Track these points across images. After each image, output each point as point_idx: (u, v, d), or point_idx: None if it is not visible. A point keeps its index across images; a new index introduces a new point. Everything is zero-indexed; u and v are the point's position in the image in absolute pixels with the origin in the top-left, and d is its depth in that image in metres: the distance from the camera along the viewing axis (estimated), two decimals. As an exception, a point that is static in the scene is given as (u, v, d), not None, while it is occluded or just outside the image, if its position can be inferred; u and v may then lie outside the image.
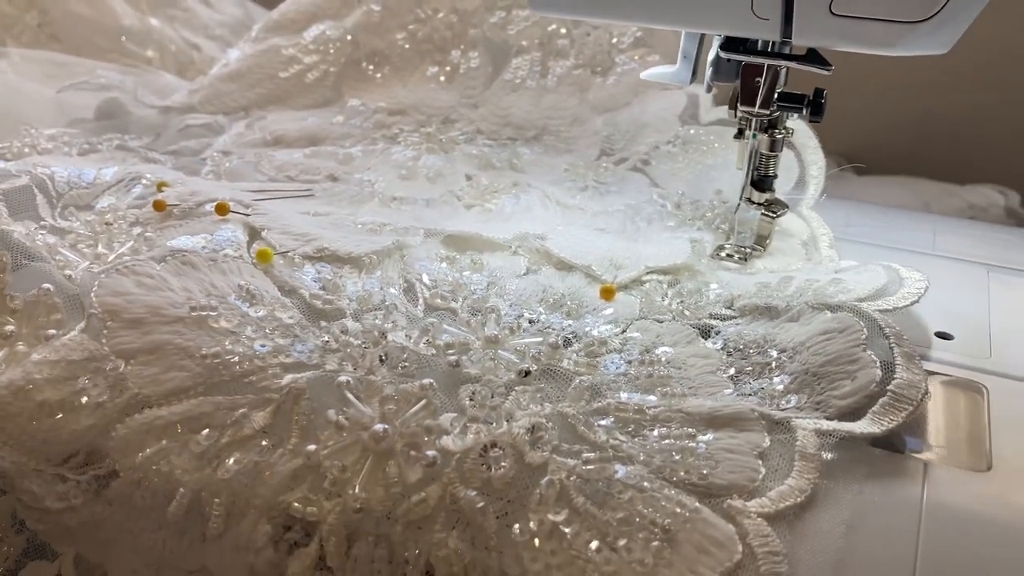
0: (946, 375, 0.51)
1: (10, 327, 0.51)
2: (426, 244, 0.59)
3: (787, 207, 0.61)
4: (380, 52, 0.89)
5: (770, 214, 0.61)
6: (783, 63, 0.53)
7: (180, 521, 0.44)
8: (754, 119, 0.58)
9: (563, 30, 0.85)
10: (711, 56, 0.58)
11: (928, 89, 1.05)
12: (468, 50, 0.87)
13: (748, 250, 0.61)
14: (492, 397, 0.44)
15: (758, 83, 0.56)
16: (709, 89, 0.59)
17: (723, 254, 0.61)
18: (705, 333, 0.52)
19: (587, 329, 0.51)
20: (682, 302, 0.54)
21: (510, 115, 0.82)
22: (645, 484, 0.40)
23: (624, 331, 0.51)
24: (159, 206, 0.61)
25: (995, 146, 1.05)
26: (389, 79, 0.88)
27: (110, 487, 0.46)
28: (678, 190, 0.69)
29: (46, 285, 0.52)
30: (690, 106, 0.76)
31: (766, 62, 0.53)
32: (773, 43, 0.53)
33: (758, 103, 0.56)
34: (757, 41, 0.54)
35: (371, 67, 0.89)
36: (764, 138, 0.59)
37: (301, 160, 0.75)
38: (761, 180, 0.61)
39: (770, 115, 0.57)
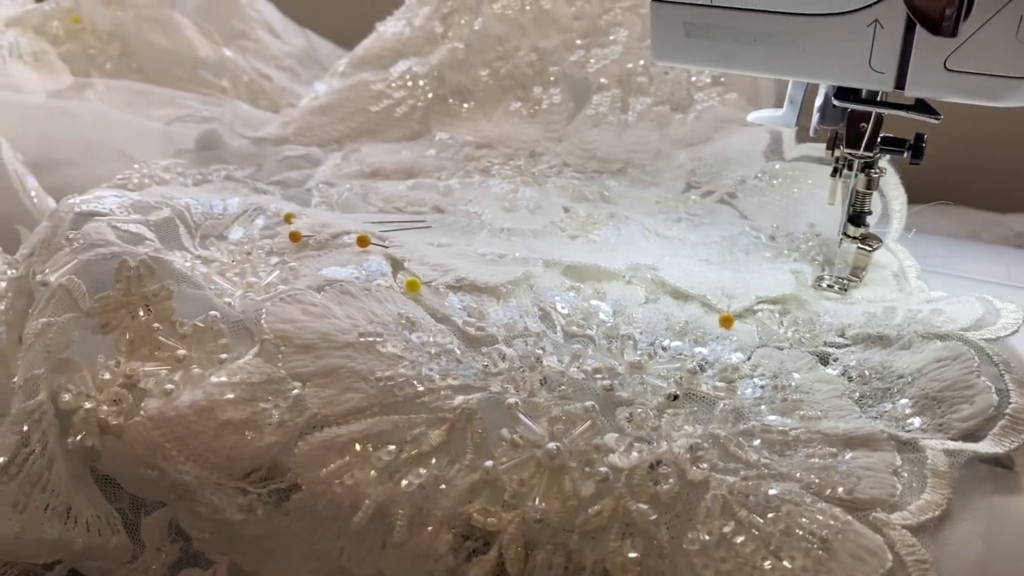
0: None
1: (182, 351, 0.55)
2: (548, 274, 0.63)
3: (880, 241, 0.66)
4: (465, 88, 0.93)
5: (866, 247, 0.65)
6: (895, 112, 0.57)
7: (362, 530, 0.48)
8: (857, 160, 0.62)
9: (641, 67, 0.90)
10: (818, 102, 0.62)
11: (966, 118, 1.09)
12: (549, 87, 0.92)
13: (846, 281, 0.66)
14: (647, 420, 0.48)
15: (864, 128, 0.60)
16: (814, 132, 0.64)
17: (824, 284, 0.65)
18: (823, 360, 0.56)
19: (717, 356, 0.55)
20: (797, 330, 0.59)
21: (594, 149, 0.87)
22: (799, 499, 0.44)
23: (749, 358, 0.56)
24: (295, 237, 0.65)
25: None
26: (474, 113, 0.93)
27: (290, 499, 0.50)
28: (772, 223, 0.73)
29: (213, 312, 0.56)
30: (773, 142, 0.80)
31: (880, 111, 0.58)
32: (882, 93, 0.58)
33: (863, 146, 0.61)
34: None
35: (457, 102, 0.93)
36: (861, 177, 0.64)
37: (406, 192, 0.79)
38: (857, 216, 0.65)
39: (872, 157, 0.62)
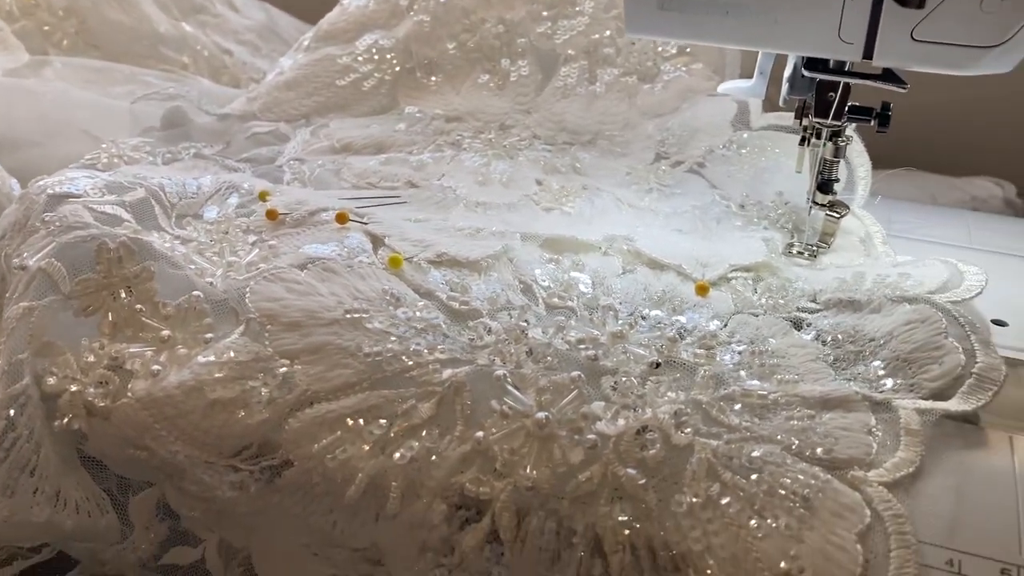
0: (1009, 357, 0.57)
1: (166, 332, 0.55)
2: (526, 247, 0.64)
3: (848, 208, 0.67)
4: (432, 61, 0.93)
5: (834, 214, 0.67)
6: (863, 82, 0.59)
7: (355, 504, 0.49)
8: (825, 129, 0.63)
9: (607, 37, 0.90)
10: (787, 73, 0.64)
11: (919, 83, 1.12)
12: (517, 59, 0.92)
13: (815, 247, 0.67)
14: (631, 388, 0.50)
15: (832, 98, 0.62)
16: (784, 103, 0.65)
17: (794, 251, 0.67)
18: (797, 325, 0.58)
19: (695, 324, 0.56)
20: (771, 297, 0.60)
21: (564, 120, 0.87)
22: (780, 460, 0.46)
23: (726, 325, 0.57)
24: (272, 215, 0.65)
25: (984, 138, 1.12)
26: (442, 86, 0.93)
27: (282, 476, 0.50)
28: (741, 192, 0.75)
29: (196, 292, 0.56)
30: (740, 112, 0.82)
31: (849, 81, 0.59)
32: (851, 62, 0.59)
33: (831, 115, 0.62)
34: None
35: (424, 75, 0.93)
36: (829, 145, 0.65)
37: (378, 167, 0.79)
38: (825, 183, 0.66)
39: (840, 126, 0.63)
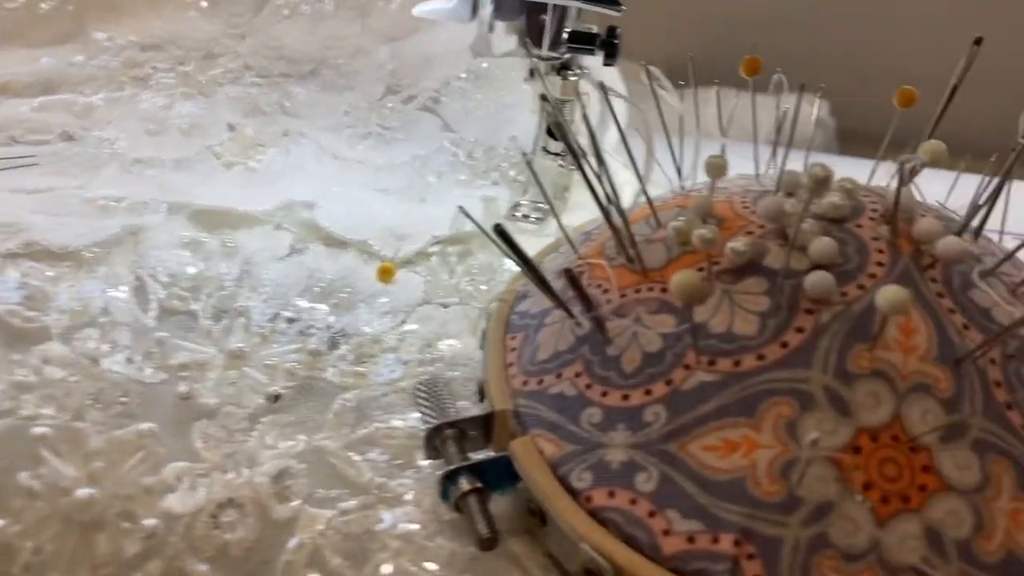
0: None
1: None
2: (168, 224, 0.50)
3: (585, 154, 0.55)
4: (128, -26, 0.76)
5: (567, 164, 0.54)
6: (573, 3, 0.46)
7: None
8: (543, 61, 0.51)
9: (339, -57, 0.75)
10: (490, -11, 0.50)
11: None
12: (231, -30, 0.76)
13: (545, 207, 0.55)
14: (231, 437, 0.37)
15: (543, 21, 0.48)
16: (491, 28, 0.51)
17: (519, 214, 0.54)
18: (494, 321, 0.45)
19: (360, 325, 0.43)
20: (472, 280, 0.48)
21: (283, 47, 0.72)
22: (424, 539, 0.34)
23: (403, 322, 0.44)
24: None
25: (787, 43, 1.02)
26: (140, 7, 0.75)
27: None
28: (471, 136, 0.61)
29: None
30: (482, 36, 0.68)
31: (552, 1, 0.46)
32: (557, -24, 0.46)
33: (545, 45, 0.49)
34: (538, -27, 0.47)
35: (117, -8, 0.76)
36: (556, 80, 0.52)
37: (28, 115, 0.63)
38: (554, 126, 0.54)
39: (560, 57, 0.50)
